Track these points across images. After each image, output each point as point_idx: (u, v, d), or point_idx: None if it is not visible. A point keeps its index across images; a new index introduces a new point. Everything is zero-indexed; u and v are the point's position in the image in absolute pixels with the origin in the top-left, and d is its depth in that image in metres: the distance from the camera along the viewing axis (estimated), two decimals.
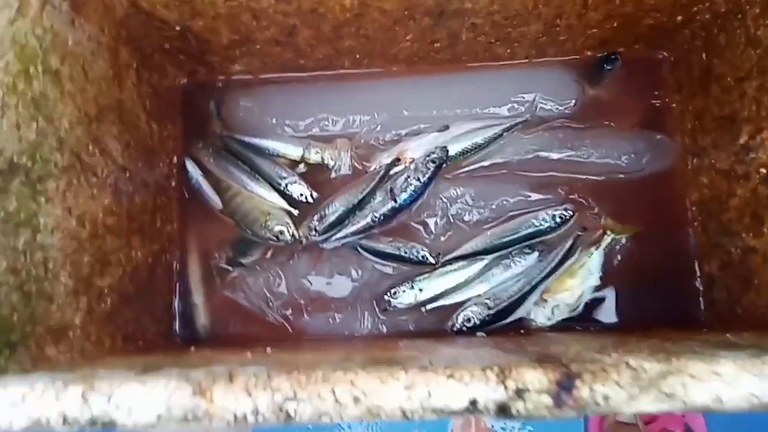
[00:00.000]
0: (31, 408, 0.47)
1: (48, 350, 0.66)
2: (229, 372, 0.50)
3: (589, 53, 1.06)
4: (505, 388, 0.48)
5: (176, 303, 1.06)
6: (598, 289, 1.00)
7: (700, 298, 0.98)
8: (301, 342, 1.00)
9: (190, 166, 1.08)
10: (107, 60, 0.82)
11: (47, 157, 0.66)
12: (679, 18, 0.94)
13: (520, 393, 0.48)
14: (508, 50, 1.03)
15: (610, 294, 1.00)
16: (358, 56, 1.04)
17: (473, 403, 0.48)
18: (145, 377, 0.49)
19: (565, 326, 0.99)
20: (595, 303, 1.00)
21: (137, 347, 0.89)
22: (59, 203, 0.69)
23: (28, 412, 0.47)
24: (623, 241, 1.00)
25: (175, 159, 1.07)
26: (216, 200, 1.08)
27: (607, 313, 1.00)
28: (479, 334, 0.95)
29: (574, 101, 1.05)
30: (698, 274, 0.98)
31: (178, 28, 0.92)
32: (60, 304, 0.69)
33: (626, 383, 0.47)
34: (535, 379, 0.48)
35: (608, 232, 0.99)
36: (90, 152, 0.76)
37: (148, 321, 0.95)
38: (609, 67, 1.04)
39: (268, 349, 0.74)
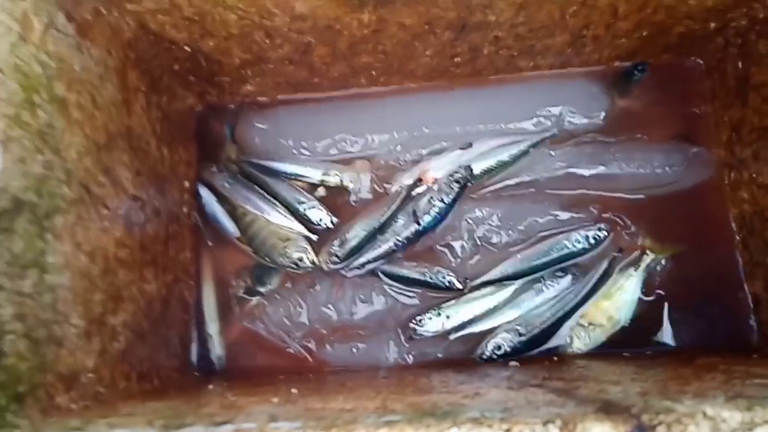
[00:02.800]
0: None
1: (59, 399, 0.61)
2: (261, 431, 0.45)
3: (615, 64, 1.01)
4: None
5: (191, 335, 1.01)
6: (636, 311, 0.94)
7: (751, 320, 0.91)
8: (324, 375, 0.95)
9: (204, 192, 1.04)
10: (116, 84, 0.78)
11: (54, 191, 0.62)
12: (713, 25, 0.89)
13: None
14: (531, 63, 0.99)
15: (650, 317, 0.94)
16: (374, 73, 1.00)
17: None
18: None
19: (601, 352, 0.94)
20: (633, 327, 0.94)
21: (152, 386, 0.84)
22: (68, 239, 0.64)
23: None
24: (663, 261, 0.94)
25: (187, 184, 1.03)
26: (232, 227, 1.03)
27: (648, 338, 0.94)
28: (512, 363, 0.89)
29: (603, 113, 1.00)
30: (747, 294, 0.92)
31: (188, 49, 0.89)
32: (71, 348, 0.64)
33: None
34: None
35: (648, 252, 0.94)
36: (99, 183, 0.71)
37: (163, 356, 0.90)
38: (637, 77, 0.99)
39: (294, 390, 0.69)
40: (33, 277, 0.58)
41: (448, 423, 0.44)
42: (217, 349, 1.02)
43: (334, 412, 0.51)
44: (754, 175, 0.89)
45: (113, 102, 0.76)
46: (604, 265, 0.95)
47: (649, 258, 0.94)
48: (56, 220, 0.62)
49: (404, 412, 0.48)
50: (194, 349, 1.01)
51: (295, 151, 1.05)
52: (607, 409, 0.45)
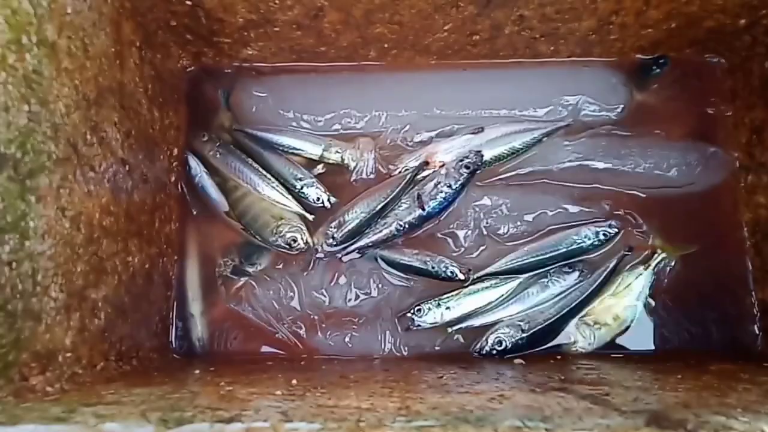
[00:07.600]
0: None
1: (33, 380, 0.55)
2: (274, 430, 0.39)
3: (636, 56, 0.97)
4: None
5: (172, 314, 0.94)
6: (644, 312, 0.91)
7: (755, 326, 0.89)
8: (315, 363, 0.89)
9: (193, 162, 0.97)
10: (109, 35, 0.70)
11: (40, 148, 0.55)
12: (743, 21, 0.86)
13: None
14: (552, 47, 0.94)
15: (656, 318, 0.92)
16: (386, 46, 0.94)
17: None
18: None
19: (604, 352, 0.91)
20: (639, 328, 0.91)
21: (131, 368, 0.77)
22: (52, 202, 0.57)
23: None
24: (672, 262, 0.92)
25: (175, 151, 0.95)
26: (221, 201, 0.96)
27: (653, 339, 0.91)
28: (517, 360, 0.85)
29: (621, 106, 0.96)
30: (754, 300, 0.90)
31: (188, 2, 0.81)
32: (49, 323, 0.57)
33: None
34: None
35: (658, 252, 0.91)
36: (88, 142, 0.64)
37: (143, 335, 0.84)
38: (657, 70, 0.95)
39: (294, 381, 0.64)
40: (12, 242, 0.51)
41: (488, 430, 0.39)
42: (198, 330, 0.96)
43: (352, 411, 0.46)
44: None
45: (105, 54, 0.69)
46: (613, 262, 0.91)
47: (659, 258, 0.91)
48: (40, 180, 0.55)
49: (432, 416, 0.43)
50: (174, 329, 0.95)
51: (294, 124, 0.98)
52: (659, 423, 0.41)
